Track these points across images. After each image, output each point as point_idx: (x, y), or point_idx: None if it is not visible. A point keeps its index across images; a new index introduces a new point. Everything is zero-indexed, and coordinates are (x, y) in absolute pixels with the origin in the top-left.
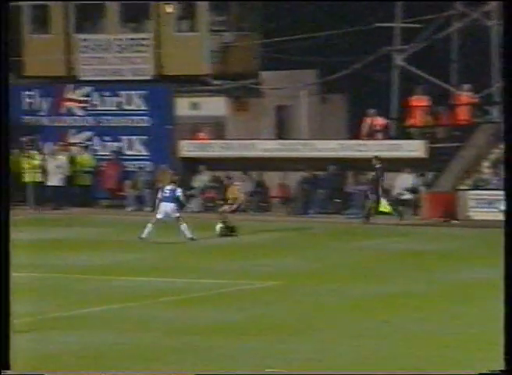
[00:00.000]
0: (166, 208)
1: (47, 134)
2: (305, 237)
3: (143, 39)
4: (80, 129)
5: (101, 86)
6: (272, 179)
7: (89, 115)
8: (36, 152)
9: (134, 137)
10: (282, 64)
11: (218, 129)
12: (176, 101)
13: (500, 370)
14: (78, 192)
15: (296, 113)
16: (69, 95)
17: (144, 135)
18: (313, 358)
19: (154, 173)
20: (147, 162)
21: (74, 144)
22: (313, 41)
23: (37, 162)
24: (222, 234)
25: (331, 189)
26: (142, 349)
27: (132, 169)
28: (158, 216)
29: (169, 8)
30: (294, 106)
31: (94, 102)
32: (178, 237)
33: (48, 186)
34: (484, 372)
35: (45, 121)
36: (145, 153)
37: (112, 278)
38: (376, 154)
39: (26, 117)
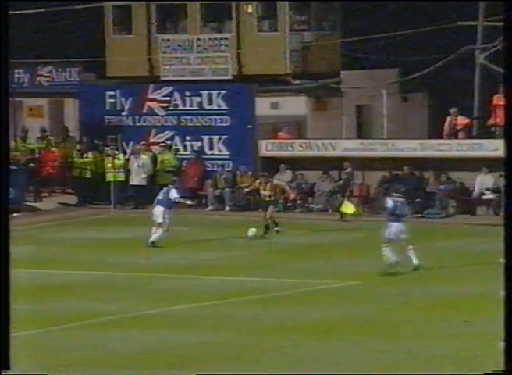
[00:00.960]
0: (153, 209)
1: (129, 134)
2: None
3: (224, 39)
4: (162, 129)
5: (182, 86)
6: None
7: (170, 114)
8: (119, 152)
9: (215, 137)
10: (363, 63)
11: (298, 128)
12: (256, 100)
13: (503, 370)
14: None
15: (376, 113)
16: (151, 95)
17: (225, 135)
18: (397, 358)
19: (234, 172)
20: (228, 162)
21: (156, 143)
22: (394, 39)
23: (119, 162)
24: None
25: (412, 189)
26: (224, 348)
27: (212, 169)
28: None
29: (250, 8)
30: (375, 105)
31: (176, 102)
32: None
33: (130, 185)
34: (488, 372)
35: (128, 121)
36: (226, 152)
37: (193, 277)
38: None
39: (109, 117)
